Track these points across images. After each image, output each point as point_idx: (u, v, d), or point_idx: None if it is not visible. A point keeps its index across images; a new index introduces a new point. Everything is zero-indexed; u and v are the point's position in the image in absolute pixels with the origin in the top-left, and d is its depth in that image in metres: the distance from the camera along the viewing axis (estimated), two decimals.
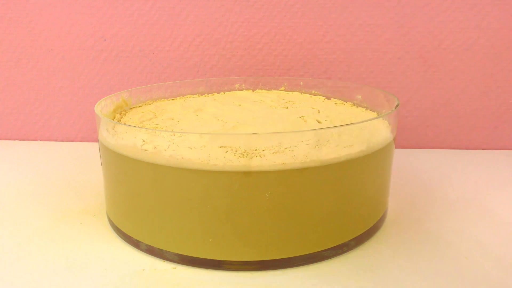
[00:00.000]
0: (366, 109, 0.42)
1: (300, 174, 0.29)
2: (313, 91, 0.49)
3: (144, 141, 0.30)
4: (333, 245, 0.32)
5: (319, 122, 0.36)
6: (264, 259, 0.30)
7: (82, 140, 0.62)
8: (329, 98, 0.46)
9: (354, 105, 0.44)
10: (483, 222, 0.37)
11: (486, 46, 0.54)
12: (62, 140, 0.62)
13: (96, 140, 0.61)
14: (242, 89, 0.51)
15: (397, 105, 0.35)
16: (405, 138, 0.58)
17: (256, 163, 0.28)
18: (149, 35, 0.57)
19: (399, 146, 0.58)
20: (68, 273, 0.30)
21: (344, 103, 0.44)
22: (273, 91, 0.50)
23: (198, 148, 0.29)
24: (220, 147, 0.29)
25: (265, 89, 0.51)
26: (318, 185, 0.30)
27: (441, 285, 0.29)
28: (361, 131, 0.32)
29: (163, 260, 0.32)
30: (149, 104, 0.44)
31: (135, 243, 0.33)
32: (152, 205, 0.31)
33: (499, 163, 0.52)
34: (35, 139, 0.63)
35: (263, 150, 0.28)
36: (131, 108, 0.43)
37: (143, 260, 0.32)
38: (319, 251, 0.31)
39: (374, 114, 0.40)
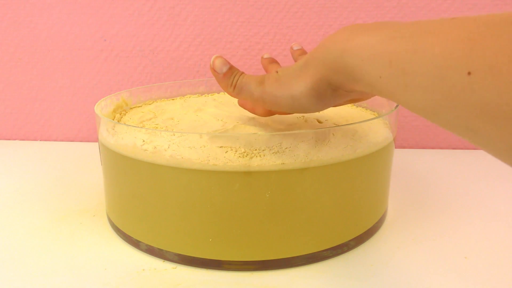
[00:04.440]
0: (366, 109, 0.42)
1: (300, 174, 0.29)
2: None
3: (144, 141, 0.30)
4: (333, 245, 0.32)
5: (319, 122, 0.36)
6: (264, 259, 0.30)
7: (82, 140, 0.62)
8: None
9: (354, 105, 0.44)
10: (483, 222, 0.37)
11: None
12: (62, 140, 0.62)
13: (96, 140, 0.61)
14: None
15: (397, 105, 0.35)
16: (405, 138, 0.58)
17: (256, 163, 0.28)
18: (149, 35, 0.57)
19: (399, 146, 0.58)
20: (68, 273, 0.30)
21: None
22: None
23: (198, 148, 0.29)
24: (220, 147, 0.29)
25: None
26: (318, 185, 0.30)
27: (441, 285, 0.29)
28: (361, 131, 0.32)
29: (163, 260, 0.32)
30: (149, 104, 0.44)
31: (135, 243, 0.33)
32: (152, 205, 0.31)
33: (499, 163, 0.51)
34: (35, 139, 0.63)
35: (263, 150, 0.28)
36: (131, 108, 0.43)
37: (143, 260, 0.32)
38: (319, 251, 0.31)
39: (374, 114, 0.40)
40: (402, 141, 0.58)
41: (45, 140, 0.62)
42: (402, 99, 0.20)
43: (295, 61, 0.39)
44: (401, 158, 0.53)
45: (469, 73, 0.16)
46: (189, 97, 0.47)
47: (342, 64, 0.23)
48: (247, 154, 0.28)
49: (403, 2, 0.53)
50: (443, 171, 0.48)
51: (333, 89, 0.25)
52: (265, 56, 0.39)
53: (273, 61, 0.38)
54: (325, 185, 0.30)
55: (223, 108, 0.40)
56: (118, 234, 0.35)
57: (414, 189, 0.44)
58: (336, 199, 0.31)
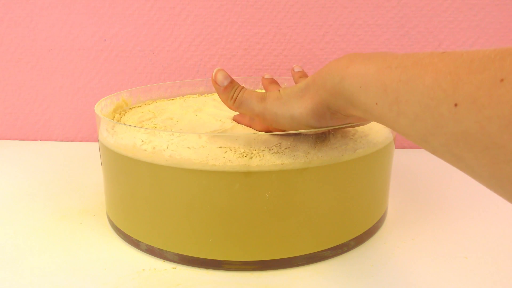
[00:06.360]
0: None
1: (300, 174, 0.29)
2: None
3: (143, 141, 0.30)
4: (333, 245, 0.32)
5: None
6: (264, 259, 0.30)
7: (82, 140, 0.62)
8: None
9: None
10: (483, 222, 0.37)
11: (486, 46, 0.54)
12: (62, 140, 0.62)
13: (96, 140, 0.61)
14: None
15: None
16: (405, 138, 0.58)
17: (256, 163, 0.28)
18: (149, 35, 0.57)
19: (399, 146, 0.58)
20: (68, 273, 0.30)
21: None
22: None
23: (197, 148, 0.29)
24: (220, 147, 0.29)
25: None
26: (318, 185, 0.30)
27: (441, 285, 0.29)
28: (361, 131, 0.32)
29: (163, 260, 0.32)
30: (149, 104, 0.44)
31: (135, 243, 0.33)
32: (152, 205, 0.31)
33: None
34: (35, 139, 0.63)
35: (263, 150, 0.28)
36: (130, 108, 0.43)
37: (143, 260, 0.32)
38: (319, 251, 0.31)
39: None
40: (402, 141, 0.58)
41: (45, 140, 0.62)
42: (396, 126, 0.21)
43: (296, 82, 0.40)
44: (401, 158, 0.53)
45: (455, 105, 0.17)
46: (189, 97, 0.47)
47: (341, 90, 0.25)
48: (247, 154, 0.28)
49: (403, 2, 0.53)
50: (443, 171, 0.48)
51: (332, 113, 0.27)
52: (266, 76, 0.40)
53: (273, 81, 0.39)
54: (325, 185, 0.30)
55: (222, 108, 0.40)
56: (118, 234, 0.35)
57: (414, 189, 0.44)
58: (336, 199, 0.31)
